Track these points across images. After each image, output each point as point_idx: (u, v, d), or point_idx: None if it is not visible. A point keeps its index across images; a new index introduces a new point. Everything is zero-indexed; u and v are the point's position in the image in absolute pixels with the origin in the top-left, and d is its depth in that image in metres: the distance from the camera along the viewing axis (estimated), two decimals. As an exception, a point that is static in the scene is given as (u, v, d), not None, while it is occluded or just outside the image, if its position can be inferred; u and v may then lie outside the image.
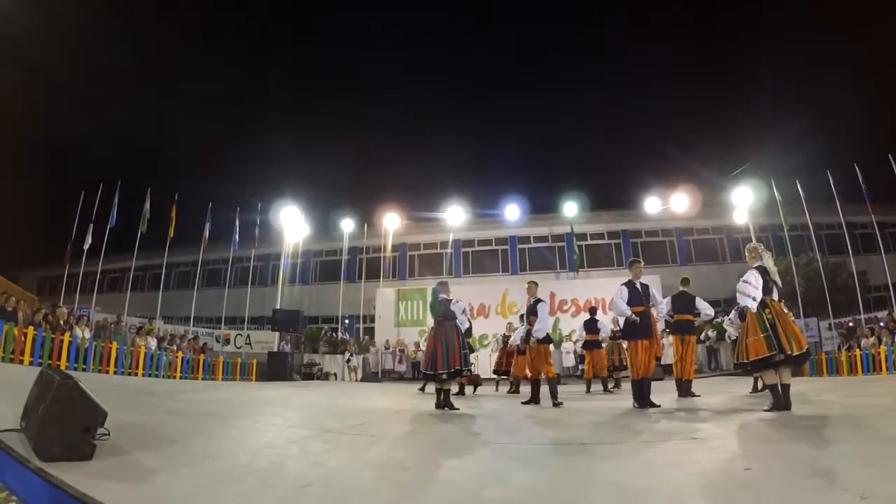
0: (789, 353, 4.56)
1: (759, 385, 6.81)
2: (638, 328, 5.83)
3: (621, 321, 6.44)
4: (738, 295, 4.91)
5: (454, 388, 8.80)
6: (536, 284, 7.13)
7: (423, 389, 9.62)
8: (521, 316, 8.22)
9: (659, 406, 5.62)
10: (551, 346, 7.10)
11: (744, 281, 4.83)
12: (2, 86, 18.40)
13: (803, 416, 4.27)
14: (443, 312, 6.12)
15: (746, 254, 5.21)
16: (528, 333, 6.87)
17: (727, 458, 2.86)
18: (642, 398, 5.70)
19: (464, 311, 6.30)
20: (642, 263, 6.32)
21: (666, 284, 16.69)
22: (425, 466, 2.98)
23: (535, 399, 6.79)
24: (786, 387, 4.57)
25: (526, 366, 7.36)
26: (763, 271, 4.91)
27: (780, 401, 4.51)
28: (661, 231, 21.79)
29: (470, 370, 6.26)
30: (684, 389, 6.96)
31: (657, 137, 39.58)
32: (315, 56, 44.28)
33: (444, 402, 5.94)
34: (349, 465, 2.95)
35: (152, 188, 17.33)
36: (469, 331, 9.14)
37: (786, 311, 4.90)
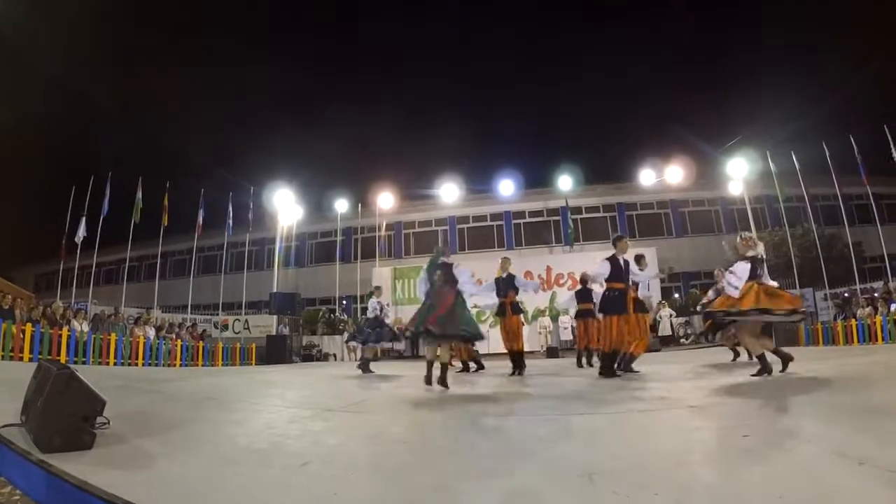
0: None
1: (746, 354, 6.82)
2: (614, 303, 6.04)
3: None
4: (725, 284, 5.31)
5: (457, 366, 8.14)
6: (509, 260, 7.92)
7: (364, 368, 8.44)
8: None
9: (619, 375, 5.89)
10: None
11: (730, 272, 5.19)
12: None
13: (800, 384, 4.32)
14: (443, 275, 5.49)
15: (740, 242, 5.36)
16: (504, 305, 7.57)
17: (724, 425, 2.89)
18: (608, 368, 5.94)
19: (473, 277, 5.72)
20: (627, 239, 6.42)
21: (662, 257, 16.78)
22: (426, 441, 3.00)
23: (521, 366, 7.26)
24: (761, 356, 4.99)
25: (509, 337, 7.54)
26: (755, 261, 5.16)
27: (767, 367, 4.88)
28: (657, 203, 21.76)
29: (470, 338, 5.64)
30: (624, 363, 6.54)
31: (652, 109, 39.29)
32: (307, 36, 43.32)
33: (440, 379, 5.17)
34: (350, 443, 2.96)
35: (143, 177, 17.19)
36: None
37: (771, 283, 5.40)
